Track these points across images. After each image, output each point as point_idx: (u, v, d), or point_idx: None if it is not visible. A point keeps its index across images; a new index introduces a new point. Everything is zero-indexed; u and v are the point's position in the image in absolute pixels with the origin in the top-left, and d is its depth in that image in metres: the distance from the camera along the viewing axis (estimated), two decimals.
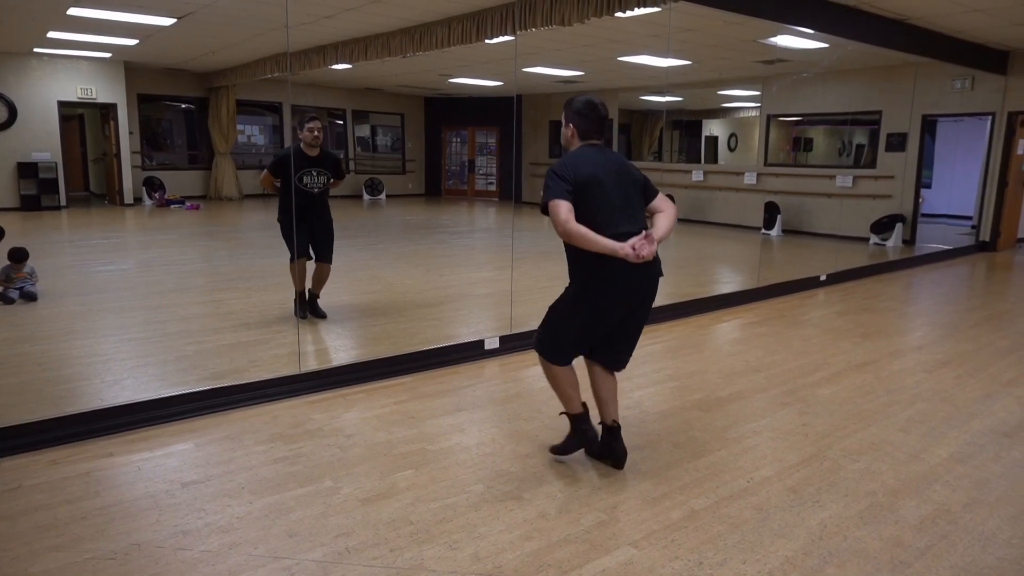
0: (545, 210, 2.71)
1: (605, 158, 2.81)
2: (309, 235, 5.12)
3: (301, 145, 4.97)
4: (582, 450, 3.08)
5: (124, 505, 2.62)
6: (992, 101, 9.99)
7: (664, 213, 2.88)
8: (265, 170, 5.12)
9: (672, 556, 2.37)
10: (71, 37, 9.96)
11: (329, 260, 5.25)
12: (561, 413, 3.07)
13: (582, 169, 2.72)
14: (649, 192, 2.90)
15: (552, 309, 2.98)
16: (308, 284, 5.31)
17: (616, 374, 3.03)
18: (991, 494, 2.86)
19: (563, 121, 2.90)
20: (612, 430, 2.99)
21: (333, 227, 5.26)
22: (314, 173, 5.01)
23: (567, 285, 2.94)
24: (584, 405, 3.02)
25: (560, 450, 3.07)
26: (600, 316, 2.83)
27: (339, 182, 5.26)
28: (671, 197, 2.84)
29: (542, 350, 2.98)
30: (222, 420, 3.45)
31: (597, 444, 3.03)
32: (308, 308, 5.30)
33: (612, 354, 2.98)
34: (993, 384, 4.27)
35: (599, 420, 3.05)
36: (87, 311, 5.51)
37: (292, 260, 5.12)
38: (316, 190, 5.05)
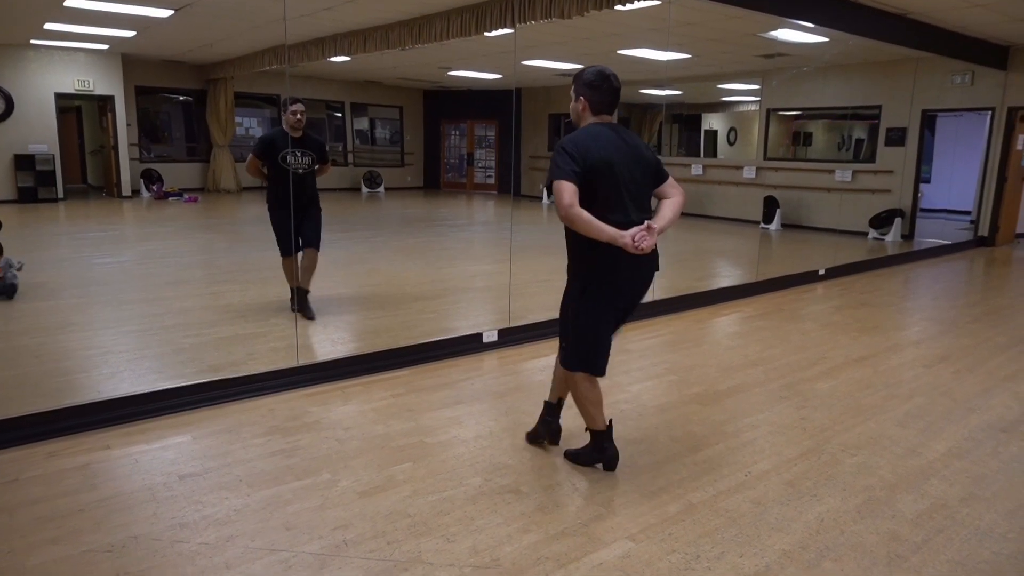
0: (551, 188, 2.59)
1: (620, 139, 2.66)
2: (298, 224, 5.04)
3: (284, 127, 4.98)
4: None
5: (121, 498, 2.62)
6: (992, 96, 9.97)
7: (671, 200, 2.75)
8: (250, 156, 5.09)
9: (669, 549, 2.37)
10: (68, 28, 9.90)
11: (317, 246, 5.15)
12: (586, 429, 2.98)
13: (594, 151, 2.57)
14: (660, 175, 2.77)
15: (564, 322, 2.85)
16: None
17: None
18: (988, 489, 2.86)
19: (572, 94, 2.72)
20: (557, 408, 3.11)
21: (321, 214, 5.20)
22: (298, 154, 4.99)
23: (567, 286, 2.85)
24: (609, 422, 2.94)
25: (575, 458, 2.99)
26: (607, 308, 2.74)
27: (325, 167, 5.23)
28: None
29: (577, 365, 2.81)
30: (219, 413, 3.44)
31: (617, 461, 2.93)
32: (297, 306, 5.14)
33: None
34: (991, 379, 4.28)
35: (547, 398, 3.14)
36: (84, 303, 5.50)
37: (283, 255, 5.14)
38: (301, 171, 5.01)
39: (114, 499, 2.61)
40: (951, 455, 3.18)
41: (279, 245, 5.13)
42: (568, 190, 2.51)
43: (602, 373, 2.83)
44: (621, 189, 2.63)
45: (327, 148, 5.33)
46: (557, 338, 2.95)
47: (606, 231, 2.51)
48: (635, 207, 2.66)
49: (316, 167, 5.16)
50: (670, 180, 2.80)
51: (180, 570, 2.19)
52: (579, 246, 2.69)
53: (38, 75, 12.04)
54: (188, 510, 2.54)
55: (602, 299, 2.73)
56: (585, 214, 2.52)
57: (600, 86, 2.67)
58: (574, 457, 3.00)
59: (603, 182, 2.59)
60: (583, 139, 2.61)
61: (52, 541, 2.33)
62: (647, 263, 2.70)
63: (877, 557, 2.36)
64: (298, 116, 4.94)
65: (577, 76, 2.72)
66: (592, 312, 2.75)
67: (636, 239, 2.50)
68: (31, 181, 12.04)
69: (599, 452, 2.93)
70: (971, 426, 3.53)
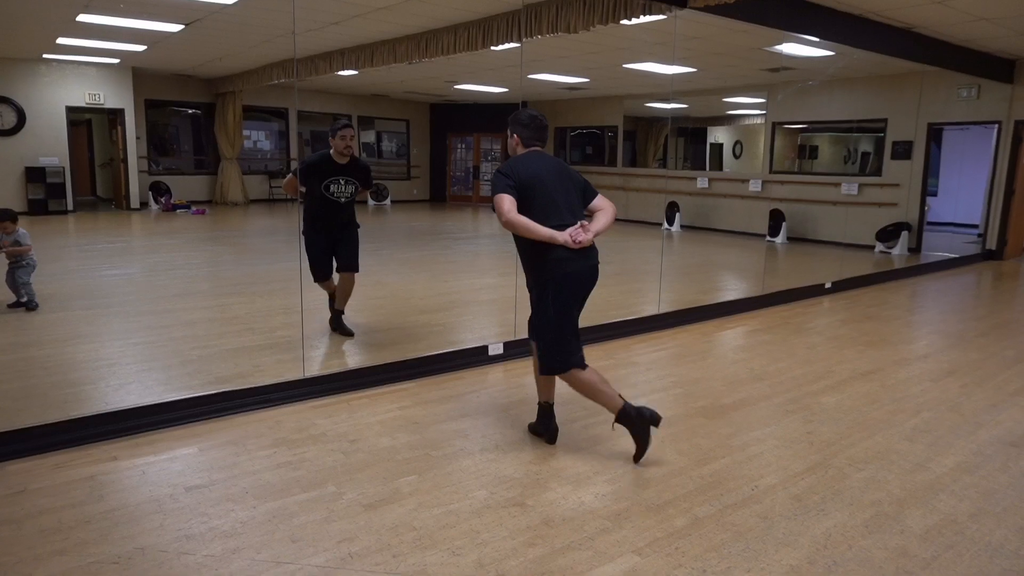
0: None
1: (546, 161, 3.15)
2: (332, 247, 4.89)
3: (331, 153, 4.72)
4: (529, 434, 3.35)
5: (128, 509, 2.63)
6: (998, 110, 9.98)
7: (603, 211, 3.19)
8: (290, 175, 4.91)
9: (676, 564, 2.36)
10: (80, 43, 10.03)
11: (354, 268, 4.92)
12: (614, 423, 3.12)
13: (525, 169, 3.05)
14: (589, 194, 3.22)
15: (536, 327, 3.17)
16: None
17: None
18: (998, 504, 2.84)
19: (508, 132, 3.24)
20: (548, 409, 3.32)
21: (358, 235, 4.99)
22: (342, 182, 4.75)
23: (530, 295, 3.17)
24: (620, 396, 3.12)
25: (641, 442, 3.09)
26: (569, 301, 3.07)
27: (366, 191, 5.04)
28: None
29: (558, 365, 3.12)
30: (226, 425, 3.45)
31: (659, 418, 3.10)
32: (332, 324, 5.05)
33: None
34: (1000, 394, 4.25)
35: (538, 400, 3.36)
36: (93, 315, 5.53)
37: (315, 280, 4.97)
38: (343, 200, 4.77)
39: (121, 511, 2.61)
40: (960, 470, 3.15)
41: (311, 270, 4.90)
42: (506, 200, 2.95)
43: (584, 364, 3.11)
44: (555, 197, 3.05)
45: (371, 172, 5.02)
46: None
47: (543, 231, 2.93)
48: (569, 213, 3.06)
49: (359, 192, 4.95)
50: (599, 196, 3.25)
51: None
52: (530, 252, 3.05)
53: (50, 89, 12.18)
54: (194, 522, 2.54)
55: (562, 293, 3.04)
56: (522, 218, 2.94)
57: (529, 124, 3.20)
58: (640, 447, 3.09)
59: (537, 192, 3.03)
60: (514, 162, 3.11)
61: (59, 552, 2.34)
62: (588, 259, 3.07)
63: (885, 573, 2.34)
64: (347, 142, 4.66)
65: (513, 118, 3.22)
66: (557, 312, 3.05)
67: (573, 235, 2.93)
68: (42, 193, 12.14)
69: (640, 417, 3.05)
70: (980, 440, 3.50)
